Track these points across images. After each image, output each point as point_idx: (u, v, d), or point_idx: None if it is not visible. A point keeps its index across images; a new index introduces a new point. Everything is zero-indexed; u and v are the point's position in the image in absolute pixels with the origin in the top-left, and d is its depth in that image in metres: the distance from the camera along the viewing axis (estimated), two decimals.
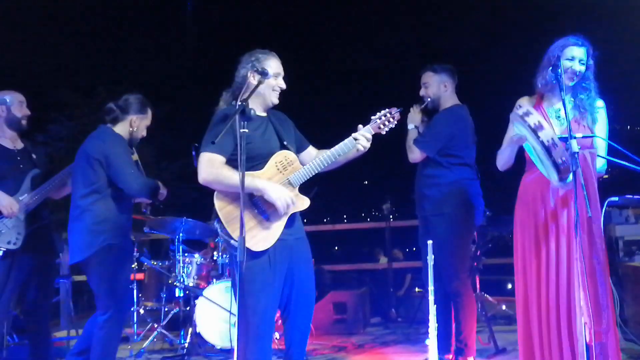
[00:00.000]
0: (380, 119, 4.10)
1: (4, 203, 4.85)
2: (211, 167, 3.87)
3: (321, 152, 4.15)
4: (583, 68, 4.05)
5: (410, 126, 5.31)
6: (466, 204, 5.12)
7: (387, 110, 4.13)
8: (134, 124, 4.89)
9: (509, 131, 4.24)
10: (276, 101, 4.16)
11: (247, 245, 3.68)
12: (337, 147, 4.04)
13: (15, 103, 5.13)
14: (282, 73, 4.17)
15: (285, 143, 4.10)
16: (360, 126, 4.10)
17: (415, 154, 5.20)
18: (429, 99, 5.29)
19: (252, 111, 3.63)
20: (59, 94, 16.25)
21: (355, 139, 4.03)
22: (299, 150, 4.25)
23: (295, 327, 4.10)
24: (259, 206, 3.91)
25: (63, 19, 15.66)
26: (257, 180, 3.87)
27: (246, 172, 3.68)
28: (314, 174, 4.03)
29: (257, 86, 3.92)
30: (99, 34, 16.63)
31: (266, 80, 4.01)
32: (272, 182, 3.92)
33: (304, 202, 4.04)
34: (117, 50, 16.89)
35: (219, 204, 3.89)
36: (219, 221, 3.91)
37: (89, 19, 16.48)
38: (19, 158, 5.14)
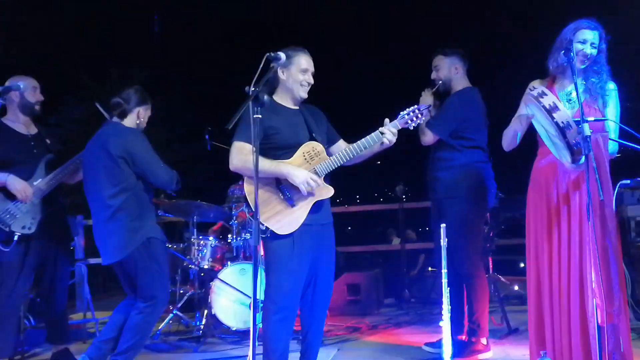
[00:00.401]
0: (408, 114, 4.21)
1: (19, 187, 4.89)
2: (240, 154, 4.05)
3: (349, 145, 4.22)
4: (595, 51, 4.02)
5: None
6: (478, 187, 5.13)
7: (415, 107, 4.23)
8: (141, 116, 4.88)
9: (518, 113, 4.24)
10: (305, 95, 4.28)
11: (273, 228, 3.97)
12: (363, 140, 4.15)
13: (29, 88, 5.15)
14: (312, 69, 4.27)
15: (313, 135, 4.22)
16: (387, 120, 4.21)
17: (427, 137, 5.20)
18: (440, 82, 5.31)
19: (264, 97, 3.66)
20: (72, 76, 16.32)
21: (382, 133, 4.13)
22: (329, 143, 4.40)
23: (313, 310, 4.25)
24: (285, 192, 4.06)
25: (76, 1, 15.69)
26: (282, 165, 4.04)
27: (273, 160, 3.98)
28: (339, 164, 4.16)
29: (270, 71, 3.98)
30: (112, 15, 16.64)
31: (290, 73, 4.19)
32: (295, 166, 4.05)
33: (329, 191, 4.18)
34: (130, 32, 16.89)
35: (247, 188, 4.07)
36: (247, 205, 4.17)
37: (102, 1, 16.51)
38: (32, 143, 5.17)
